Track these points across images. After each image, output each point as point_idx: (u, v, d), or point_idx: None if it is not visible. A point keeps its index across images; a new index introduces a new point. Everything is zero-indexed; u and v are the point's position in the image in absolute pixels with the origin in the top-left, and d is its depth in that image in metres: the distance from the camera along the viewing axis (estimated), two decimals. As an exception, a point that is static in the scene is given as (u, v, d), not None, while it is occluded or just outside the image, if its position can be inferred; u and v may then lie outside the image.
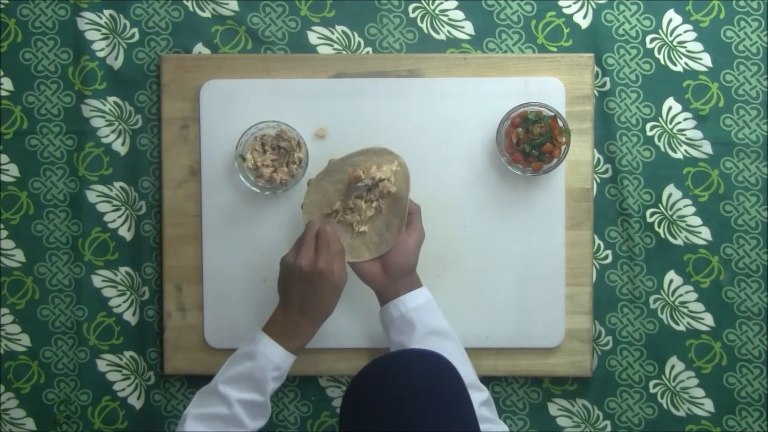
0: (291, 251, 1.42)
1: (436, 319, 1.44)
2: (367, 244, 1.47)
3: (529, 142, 1.51)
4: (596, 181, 1.61)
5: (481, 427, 1.26)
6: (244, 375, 1.37)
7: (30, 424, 1.66)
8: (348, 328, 1.58)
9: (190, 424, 1.35)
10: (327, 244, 1.39)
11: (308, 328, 1.41)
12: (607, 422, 1.64)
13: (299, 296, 1.39)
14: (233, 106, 1.59)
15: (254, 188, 1.55)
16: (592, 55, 1.60)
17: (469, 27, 1.62)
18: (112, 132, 1.63)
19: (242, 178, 1.55)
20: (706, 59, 1.61)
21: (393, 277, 1.45)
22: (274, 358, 1.37)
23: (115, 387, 1.65)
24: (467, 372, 1.40)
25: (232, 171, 1.58)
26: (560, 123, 1.52)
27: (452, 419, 1.15)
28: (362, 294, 1.53)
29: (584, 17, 1.62)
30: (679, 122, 1.61)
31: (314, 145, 1.58)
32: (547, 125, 1.51)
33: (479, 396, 1.39)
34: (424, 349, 1.33)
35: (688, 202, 1.61)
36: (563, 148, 1.51)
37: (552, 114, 1.52)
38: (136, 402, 1.65)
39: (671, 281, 1.62)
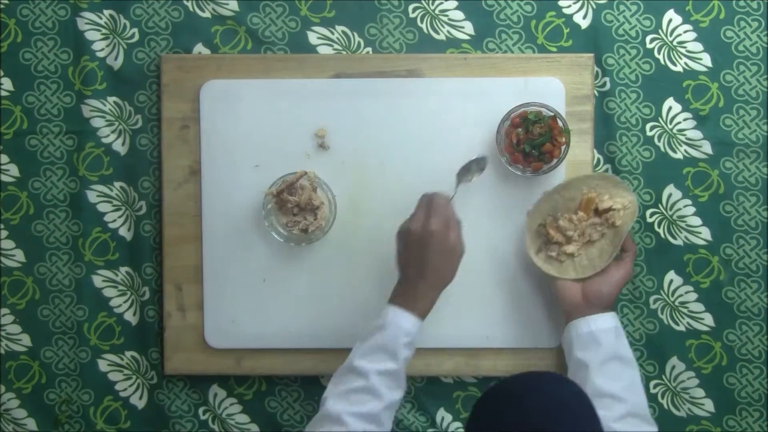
0: (412, 219, 1.44)
1: (622, 345, 1.47)
2: (575, 265, 1.51)
3: (529, 142, 1.51)
4: (596, 181, 1.61)
5: None
6: (377, 346, 1.39)
7: (31, 424, 1.66)
8: (348, 328, 1.58)
9: (331, 403, 1.36)
10: (437, 209, 1.42)
11: (428, 291, 1.42)
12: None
13: (415, 261, 1.41)
14: (233, 106, 1.59)
15: (290, 242, 1.57)
16: (592, 55, 1.60)
17: (469, 27, 1.62)
18: (113, 132, 1.63)
19: (275, 235, 1.57)
20: (706, 59, 1.61)
21: (589, 303, 1.48)
22: (404, 325, 1.39)
23: (117, 387, 1.65)
24: (642, 404, 1.44)
25: (232, 171, 1.58)
26: (560, 123, 1.52)
27: None
28: (362, 295, 1.53)
29: (584, 17, 1.62)
30: (679, 122, 1.61)
31: (316, 151, 1.59)
32: (546, 125, 1.51)
33: (649, 429, 1.42)
34: (550, 372, 1.33)
35: (688, 202, 1.61)
36: (563, 148, 1.52)
37: (551, 114, 1.52)
38: (138, 402, 1.65)
39: (671, 281, 1.62)
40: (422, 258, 1.41)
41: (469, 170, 1.54)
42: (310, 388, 1.65)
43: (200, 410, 1.66)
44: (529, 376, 1.21)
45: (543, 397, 1.15)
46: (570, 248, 1.50)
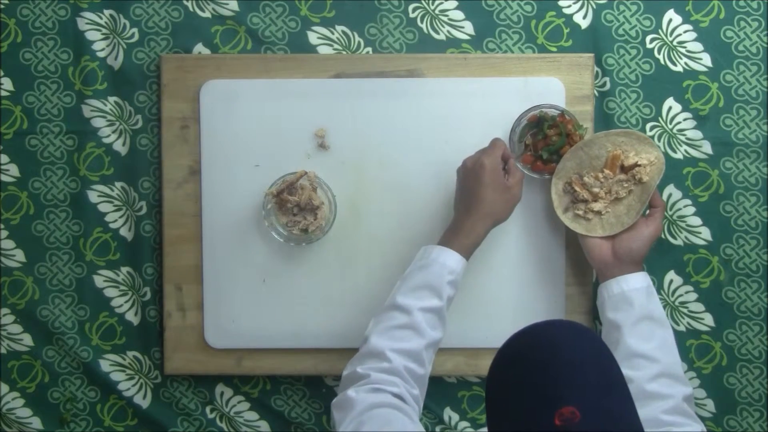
0: (474, 154, 1.48)
1: (655, 305, 1.46)
2: (603, 222, 1.51)
3: (547, 149, 1.51)
4: (596, 181, 1.61)
5: (680, 419, 1.35)
6: (421, 284, 1.39)
7: (37, 423, 1.66)
8: (348, 328, 1.58)
9: (374, 339, 1.36)
10: (493, 149, 1.46)
11: (476, 223, 1.43)
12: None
13: (466, 194, 1.45)
14: (233, 106, 1.59)
15: (290, 242, 1.57)
16: (592, 55, 1.60)
17: (469, 27, 1.62)
18: (113, 132, 1.63)
19: (275, 235, 1.56)
20: (706, 59, 1.61)
21: (620, 260, 1.48)
22: (448, 262, 1.40)
23: (120, 387, 1.66)
24: (676, 364, 1.44)
25: (232, 171, 1.59)
26: (567, 118, 1.52)
27: (608, 393, 1.07)
28: (362, 295, 1.53)
29: (584, 17, 1.61)
30: (679, 122, 1.61)
31: (316, 151, 1.59)
32: (562, 128, 1.51)
33: (683, 390, 1.41)
34: (567, 321, 1.26)
35: (688, 202, 1.61)
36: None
37: (559, 112, 1.52)
38: (142, 401, 1.66)
39: (671, 281, 1.62)
40: (473, 190, 1.43)
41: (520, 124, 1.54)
42: (315, 387, 1.66)
43: (207, 408, 1.66)
44: (542, 328, 1.15)
45: (557, 349, 1.09)
46: (597, 206, 1.51)
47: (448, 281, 1.40)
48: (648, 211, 1.51)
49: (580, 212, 1.52)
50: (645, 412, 1.33)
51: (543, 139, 1.52)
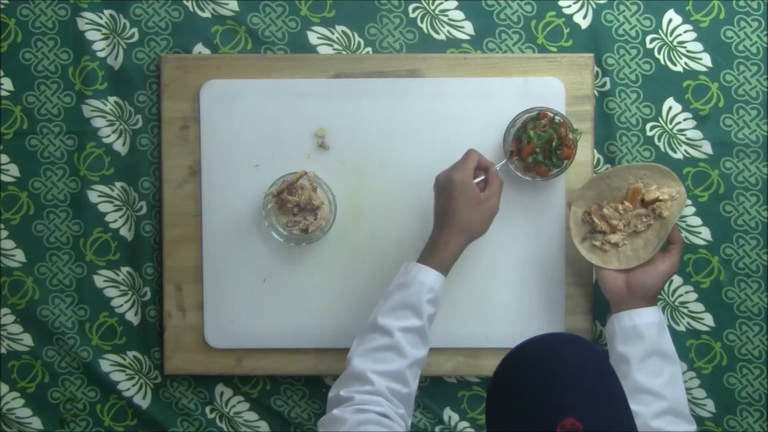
0: (446, 170, 1.47)
1: (665, 340, 1.46)
2: (620, 255, 1.50)
3: (548, 156, 1.51)
4: (596, 181, 1.61)
5: None
6: (400, 303, 1.39)
7: (37, 423, 1.66)
8: (348, 328, 1.58)
9: (357, 361, 1.36)
10: (465, 161, 1.45)
11: (450, 239, 1.42)
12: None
13: (441, 209, 1.44)
14: (233, 106, 1.59)
15: (290, 242, 1.57)
16: (592, 55, 1.60)
17: (469, 27, 1.62)
18: (113, 132, 1.63)
19: (275, 235, 1.56)
20: (706, 59, 1.61)
21: (633, 294, 1.47)
22: (427, 281, 1.40)
23: (120, 387, 1.66)
24: (681, 402, 1.43)
25: (232, 171, 1.59)
26: (557, 118, 1.51)
27: (609, 405, 1.09)
28: (362, 294, 1.53)
29: (584, 17, 1.61)
30: (679, 122, 1.61)
31: (316, 151, 1.59)
32: (554, 127, 1.50)
33: (687, 429, 1.41)
34: (569, 333, 1.32)
35: (688, 202, 1.61)
36: (575, 144, 1.51)
37: (554, 116, 1.52)
38: (142, 402, 1.66)
39: (671, 281, 1.62)
40: (446, 207, 1.43)
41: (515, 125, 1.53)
42: (315, 387, 1.66)
43: (207, 409, 1.66)
44: (545, 339, 1.17)
45: (559, 360, 1.11)
46: (614, 237, 1.50)
47: (427, 300, 1.39)
48: (668, 247, 1.50)
49: (598, 243, 1.51)
50: None
51: (528, 143, 1.51)
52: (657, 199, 1.48)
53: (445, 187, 1.44)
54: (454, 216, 1.42)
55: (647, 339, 1.43)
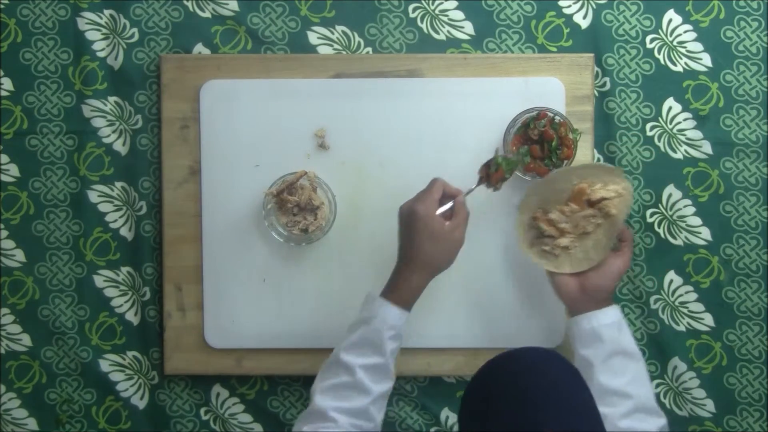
0: (410, 200, 1.43)
1: (626, 339, 1.43)
2: (571, 258, 1.48)
3: (549, 157, 1.51)
4: (596, 181, 1.61)
5: None
6: (362, 340, 1.37)
7: (32, 424, 1.66)
8: (346, 330, 1.58)
9: (318, 398, 1.35)
10: (429, 192, 1.41)
11: (413, 275, 1.40)
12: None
13: (404, 242, 1.41)
14: (233, 106, 1.59)
15: (290, 243, 1.57)
16: (592, 55, 1.60)
17: (469, 27, 1.62)
18: (113, 132, 1.63)
19: (275, 235, 1.56)
20: (706, 59, 1.61)
21: (588, 297, 1.45)
22: (389, 318, 1.37)
23: (119, 387, 1.66)
24: (648, 397, 1.41)
25: (232, 171, 1.59)
26: (557, 118, 1.51)
27: (576, 415, 1.12)
28: (362, 295, 1.53)
29: (584, 17, 1.61)
30: (679, 122, 1.61)
31: (316, 151, 1.59)
32: (555, 128, 1.50)
33: (657, 422, 1.39)
34: (540, 347, 1.31)
35: (688, 202, 1.61)
36: (575, 144, 1.51)
37: (553, 116, 1.52)
38: (139, 402, 1.66)
39: (671, 281, 1.62)
40: (409, 240, 1.40)
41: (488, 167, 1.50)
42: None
43: (201, 410, 1.66)
44: (517, 354, 1.19)
45: (533, 374, 1.14)
46: (564, 241, 1.48)
47: (389, 337, 1.37)
48: (619, 245, 1.48)
49: (547, 248, 1.49)
50: None
51: (496, 171, 1.48)
52: (603, 198, 1.45)
53: (408, 219, 1.41)
54: (416, 250, 1.39)
55: (607, 341, 1.41)
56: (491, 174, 1.48)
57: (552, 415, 1.08)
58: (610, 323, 1.43)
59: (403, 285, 1.39)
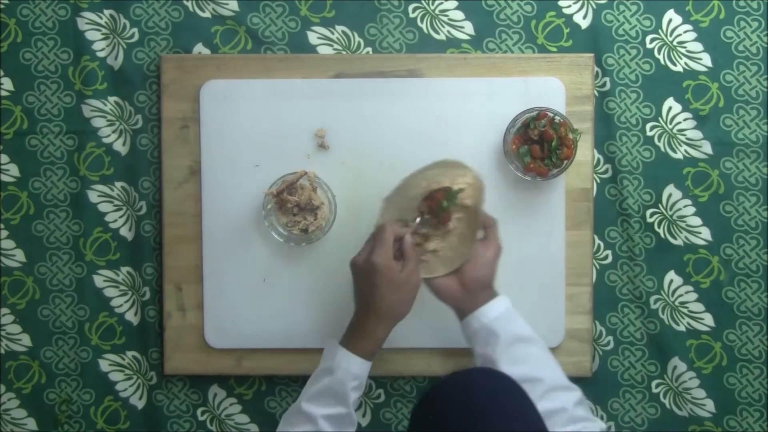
0: (361, 251, 1.42)
1: (519, 326, 1.42)
2: (442, 259, 1.46)
3: (548, 157, 1.51)
4: (596, 181, 1.61)
5: (577, 426, 1.30)
6: (325, 390, 1.37)
7: (31, 424, 1.66)
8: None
9: None
10: (382, 241, 1.39)
11: (375, 327, 1.39)
12: (612, 423, 1.64)
13: (363, 295, 1.40)
14: (233, 106, 1.59)
15: (290, 243, 1.57)
16: (592, 55, 1.60)
17: (469, 27, 1.62)
18: (113, 132, 1.63)
19: (275, 235, 1.56)
20: (706, 59, 1.61)
21: (471, 292, 1.43)
22: (352, 369, 1.37)
23: (118, 387, 1.66)
24: (557, 375, 1.39)
25: (232, 171, 1.59)
26: (557, 119, 1.51)
27: (514, 420, 1.14)
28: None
29: (584, 17, 1.62)
30: (679, 122, 1.61)
31: (316, 151, 1.59)
32: (555, 128, 1.50)
33: (572, 396, 1.37)
34: (488, 368, 1.33)
35: (688, 202, 1.61)
36: (575, 144, 1.51)
37: (553, 116, 1.52)
38: (138, 402, 1.66)
39: (671, 281, 1.62)
40: (369, 293, 1.39)
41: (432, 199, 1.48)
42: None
43: (198, 411, 1.66)
44: (461, 376, 1.21)
45: (479, 394, 1.16)
46: (431, 245, 1.46)
47: (352, 387, 1.37)
48: (485, 233, 1.46)
49: None
50: None
51: (444, 213, 1.47)
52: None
53: (365, 272, 1.39)
54: (380, 304, 1.38)
55: (501, 333, 1.39)
56: (440, 216, 1.46)
57: (490, 420, 1.10)
58: (499, 315, 1.41)
59: (369, 338, 1.39)
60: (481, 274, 1.43)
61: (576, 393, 1.37)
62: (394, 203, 1.48)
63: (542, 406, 1.32)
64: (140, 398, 1.66)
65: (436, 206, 1.46)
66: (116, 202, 1.64)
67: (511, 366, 1.36)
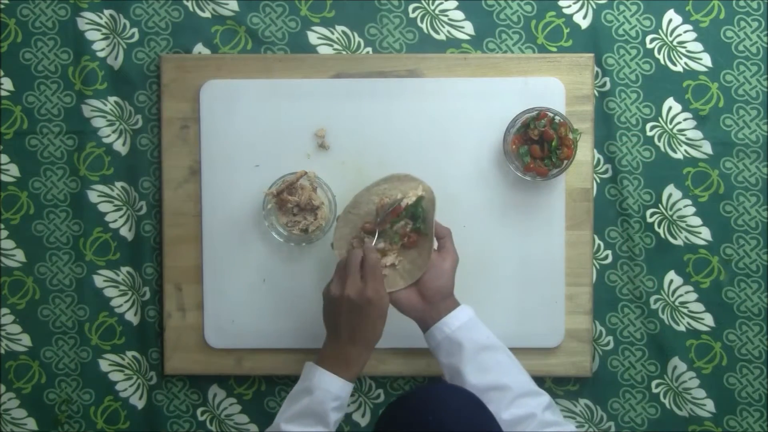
0: (335, 282, 1.41)
1: (482, 334, 1.42)
2: (401, 272, 1.46)
3: (548, 157, 1.51)
4: (596, 181, 1.61)
5: (547, 429, 1.30)
6: (305, 411, 1.36)
7: (31, 424, 1.66)
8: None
9: None
10: (373, 272, 1.39)
11: (361, 355, 1.39)
12: (611, 423, 1.64)
13: (349, 326, 1.38)
14: (233, 106, 1.59)
15: (290, 242, 1.57)
16: (592, 55, 1.60)
17: (469, 27, 1.62)
18: (113, 132, 1.63)
19: (275, 235, 1.56)
20: (706, 59, 1.61)
21: (432, 303, 1.43)
22: (333, 389, 1.36)
23: (118, 387, 1.66)
24: (524, 380, 1.40)
25: (232, 171, 1.59)
26: (557, 119, 1.51)
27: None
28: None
29: (584, 17, 1.61)
30: (679, 122, 1.61)
31: (316, 151, 1.59)
32: (555, 128, 1.50)
33: (540, 401, 1.37)
34: (450, 384, 1.33)
35: (688, 202, 1.61)
36: (575, 144, 1.51)
37: (553, 116, 1.52)
38: (138, 402, 1.66)
39: (671, 281, 1.62)
40: (358, 324, 1.38)
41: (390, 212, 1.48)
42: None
43: (198, 411, 1.66)
44: (423, 390, 1.23)
45: (441, 408, 1.19)
46: (389, 260, 1.47)
47: (333, 408, 1.36)
48: (439, 243, 1.46)
49: None
50: None
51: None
52: (407, 206, 1.46)
53: (356, 306, 1.38)
54: (369, 334, 1.39)
55: (466, 343, 1.39)
56: (380, 251, 1.47)
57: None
58: (462, 325, 1.41)
59: (354, 363, 1.38)
60: (440, 284, 1.43)
61: (544, 398, 1.38)
62: (346, 221, 1.49)
63: (511, 413, 1.34)
64: (140, 398, 1.66)
65: (400, 219, 1.47)
66: (116, 202, 1.64)
67: (477, 375, 1.37)
